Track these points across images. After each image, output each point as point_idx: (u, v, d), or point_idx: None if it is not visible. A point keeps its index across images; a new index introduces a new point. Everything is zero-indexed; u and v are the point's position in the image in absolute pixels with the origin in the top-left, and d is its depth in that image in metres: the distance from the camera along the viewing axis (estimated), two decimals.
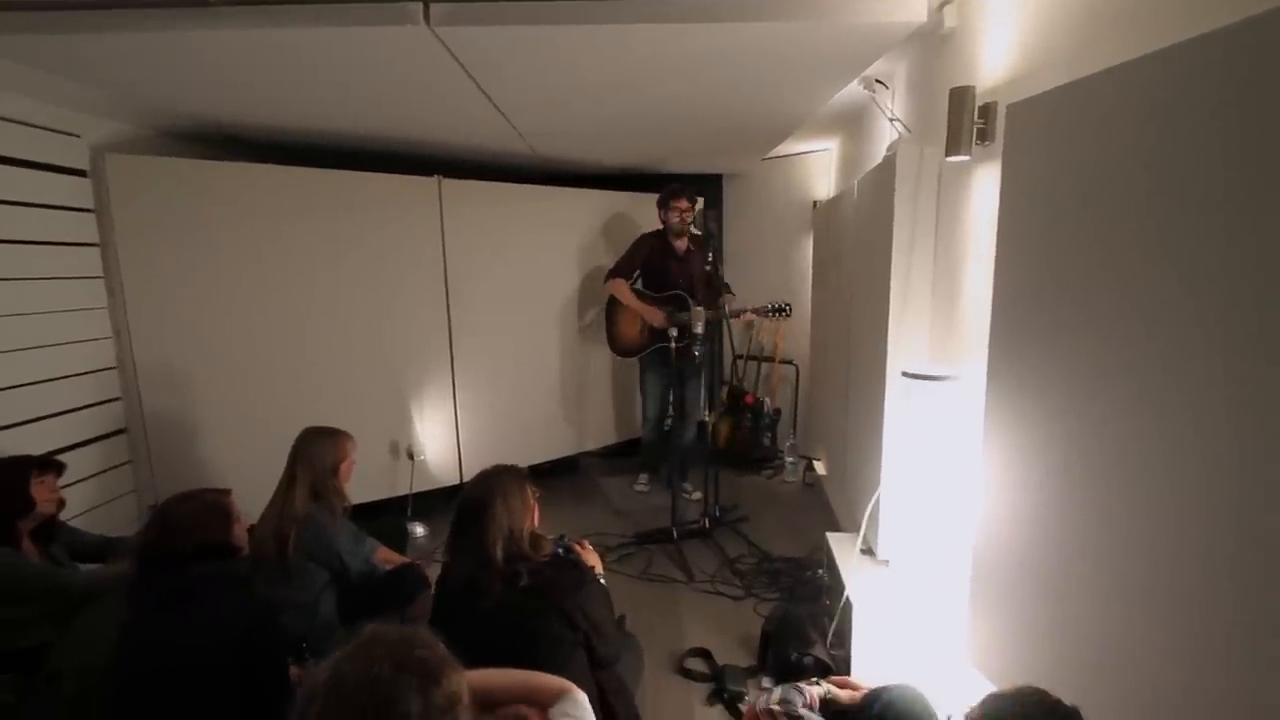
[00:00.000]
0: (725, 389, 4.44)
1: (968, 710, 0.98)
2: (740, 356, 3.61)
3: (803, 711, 1.33)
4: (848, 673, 1.92)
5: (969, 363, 1.76)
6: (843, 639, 2.08)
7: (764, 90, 2.39)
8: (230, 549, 1.66)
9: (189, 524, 1.59)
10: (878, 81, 2.47)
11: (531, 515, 1.70)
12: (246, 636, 1.53)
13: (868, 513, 2.12)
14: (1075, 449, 1.33)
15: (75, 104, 2.47)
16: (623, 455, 4.40)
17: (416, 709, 0.80)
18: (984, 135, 1.65)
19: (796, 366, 4.33)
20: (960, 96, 1.65)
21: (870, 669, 1.83)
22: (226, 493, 1.71)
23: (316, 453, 2.32)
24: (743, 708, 1.97)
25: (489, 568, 1.58)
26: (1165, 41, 1.09)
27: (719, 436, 4.22)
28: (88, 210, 2.60)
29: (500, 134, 3.04)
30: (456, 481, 3.60)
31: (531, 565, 1.62)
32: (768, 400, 4.31)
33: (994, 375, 1.51)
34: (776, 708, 1.33)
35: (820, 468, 4.03)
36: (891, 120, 2.29)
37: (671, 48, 1.94)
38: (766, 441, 4.31)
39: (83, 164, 2.57)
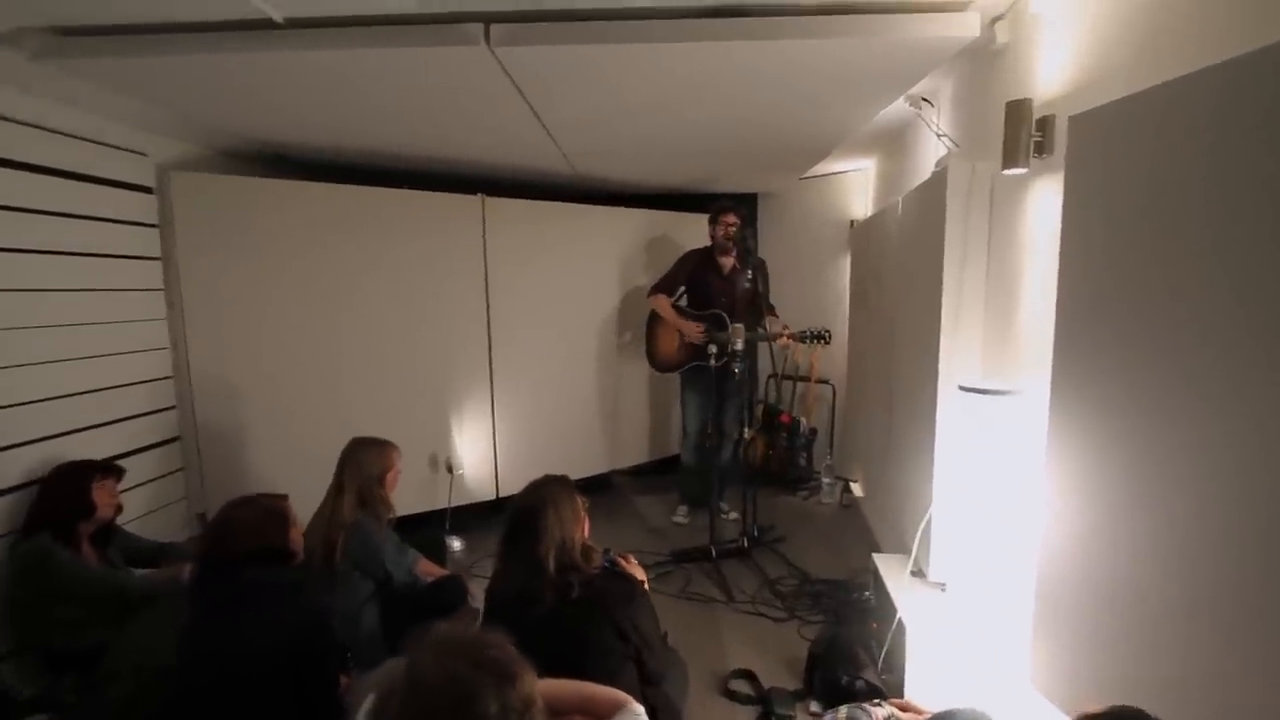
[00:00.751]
0: (761, 407, 4.40)
1: None
2: (775, 375, 3.57)
3: None
4: (900, 697, 1.86)
5: (1027, 377, 1.73)
6: (893, 663, 2.03)
7: (809, 109, 2.41)
8: (287, 554, 1.69)
9: (248, 529, 1.61)
10: (924, 100, 2.46)
11: (582, 526, 1.70)
12: (299, 642, 1.55)
13: (919, 534, 2.07)
14: (1145, 463, 1.29)
15: (143, 123, 2.59)
16: (656, 474, 4.38)
17: (495, 709, 0.80)
18: (1041, 148, 1.64)
19: (833, 386, 4.29)
20: (1018, 109, 1.64)
21: (925, 693, 1.77)
22: (284, 498, 1.74)
23: (364, 462, 2.36)
24: None
25: (541, 577, 1.57)
26: (1225, 54, 1.08)
27: (754, 455, 4.18)
28: (152, 225, 2.70)
29: (544, 153, 3.10)
30: (493, 496, 3.61)
31: (583, 576, 1.62)
32: (804, 420, 4.26)
33: (1058, 390, 1.47)
34: None
35: (857, 489, 3.96)
36: (939, 136, 2.29)
37: (721, 67, 1.97)
38: (802, 462, 4.25)
39: (149, 181, 2.69)
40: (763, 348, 3.23)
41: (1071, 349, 1.45)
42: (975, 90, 2.18)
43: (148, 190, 2.69)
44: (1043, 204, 1.68)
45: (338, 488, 2.33)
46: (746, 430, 3.41)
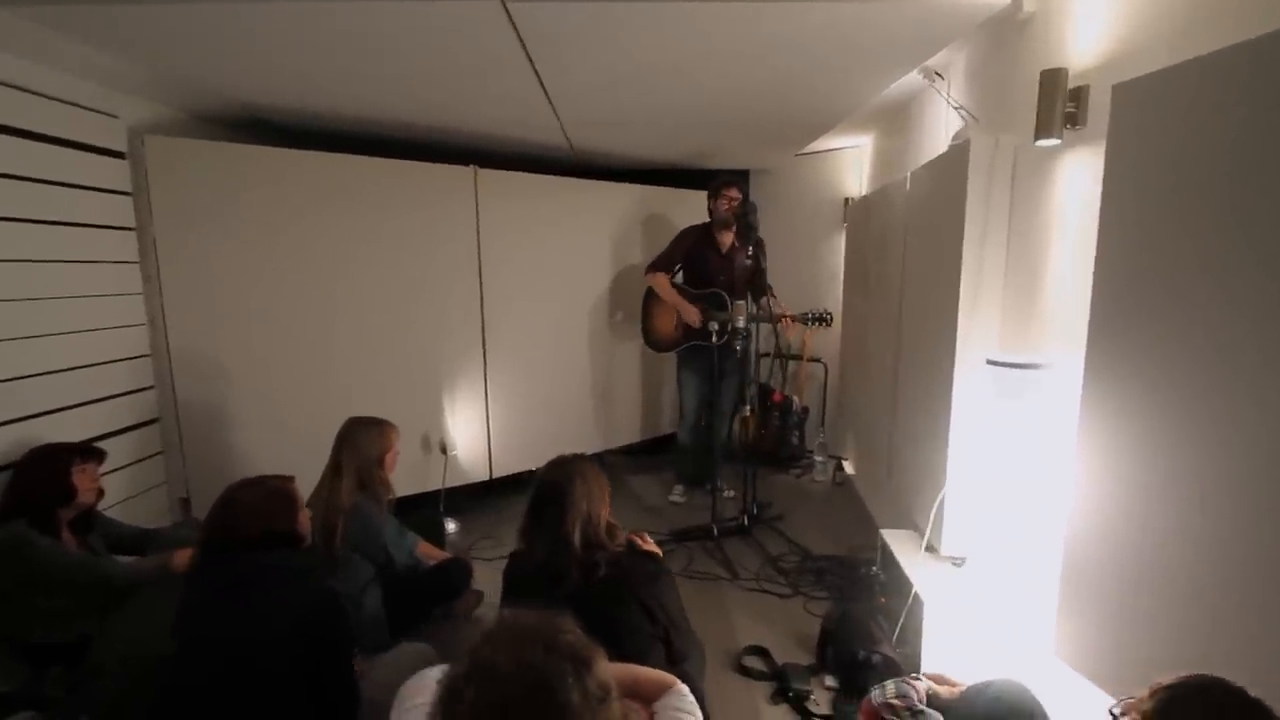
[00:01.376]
0: (753, 387, 4.38)
1: (1124, 702, 0.93)
2: (770, 355, 3.55)
3: (921, 705, 1.29)
4: (915, 670, 1.87)
5: (1052, 351, 1.72)
6: (907, 637, 2.04)
7: (824, 77, 2.36)
8: (296, 538, 1.60)
9: (255, 511, 1.53)
10: (936, 74, 2.43)
11: (607, 504, 1.65)
12: (313, 627, 1.47)
13: (934, 510, 2.07)
14: (1179, 438, 1.29)
15: (113, 82, 2.41)
16: (648, 454, 4.35)
17: (576, 698, 0.74)
18: (1074, 119, 1.61)
19: (825, 365, 4.29)
20: (1052, 79, 1.61)
21: (942, 666, 1.78)
22: (290, 479, 1.65)
23: (362, 442, 2.27)
24: (807, 706, 1.92)
25: (566, 554, 1.53)
26: (1272, 25, 1.06)
27: (747, 434, 4.17)
28: (124, 193, 2.53)
29: (541, 123, 2.99)
30: (486, 478, 3.54)
31: (608, 555, 1.58)
32: (796, 399, 4.27)
33: (1092, 363, 1.47)
34: (897, 702, 1.28)
35: (849, 467, 3.99)
36: (956, 109, 2.25)
37: (742, 29, 1.90)
38: (794, 440, 4.26)
39: (120, 145, 2.51)
40: (760, 328, 3.19)
41: (1108, 321, 1.44)
42: (995, 62, 2.15)
43: (119, 155, 2.51)
44: (1073, 176, 1.66)
45: (335, 469, 2.24)
46: (747, 408, 3.38)
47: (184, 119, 2.84)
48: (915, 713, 1.24)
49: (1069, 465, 1.53)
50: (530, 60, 2.14)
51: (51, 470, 1.97)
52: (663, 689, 1.19)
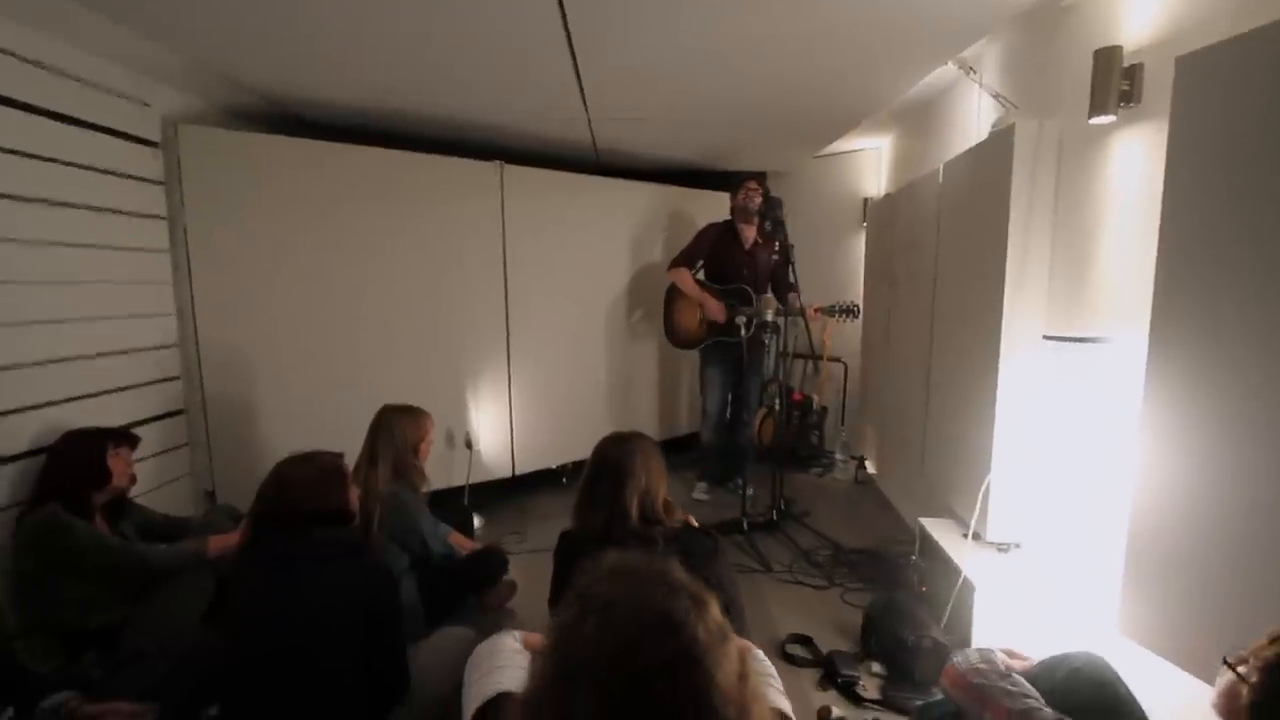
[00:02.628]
0: (775, 386, 4.37)
1: (1239, 653, 0.91)
2: (785, 353, 3.55)
3: (1009, 664, 1.27)
4: None
5: (1105, 327, 1.72)
6: (956, 623, 2.01)
7: (860, 69, 2.37)
8: (348, 515, 1.58)
9: (308, 487, 1.51)
10: (970, 71, 2.46)
11: (664, 480, 1.63)
12: (370, 602, 1.45)
13: (980, 496, 2.06)
14: (1255, 409, 1.29)
15: (147, 69, 2.40)
16: (668, 454, 4.30)
17: (701, 634, 0.71)
18: (1128, 96, 1.63)
19: (845, 364, 4.29)
20: (1107, 56, 1.62)
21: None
22: (340, 456, 1.63)
23: (398, 430, 2.25)
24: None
25: (624, 526, 1.51)
26: None
27: (765, 433, 4.16)
28: (156, 182, 2.52)
29: (569, 116, 3.00)
30: (509, 474, 3.51)
31: (665, 530, 1.56)
32: (815, 398, 4.26)
33: (1158, 337, 1.46)
34: (984, 666, 1.26)
35: (870, 466, 3.98)
36: (995, 96, 2.27)
37: (792, 13, 1.90)
38: (814, 440, 4.25)
39: (154, 134, 2.50)
40: (785, 326, 3.20)
41: (1173, 295, 1.44)
42: (1034, 48, 2.18)
43: (152, 144, 2.50)
44: (1127, 153, 1.67)
45: (370, 457, 2.21)
46: (777, 403, 3.36)
47: (214, 112, 2.83)
48: (1003, 675, 1.21)
49: (1132, 439, 1.52)
50: (570, 41, 2.13)
51: (86, 454, 1.94)
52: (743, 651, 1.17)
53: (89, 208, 2.22)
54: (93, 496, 1.94)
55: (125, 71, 2.36)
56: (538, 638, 1.22)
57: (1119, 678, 1.27)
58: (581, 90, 2.64)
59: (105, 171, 2.28)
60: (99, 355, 2.27)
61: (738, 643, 0.75)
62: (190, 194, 2.56)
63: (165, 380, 2.58)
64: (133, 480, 2.07)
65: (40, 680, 1.54)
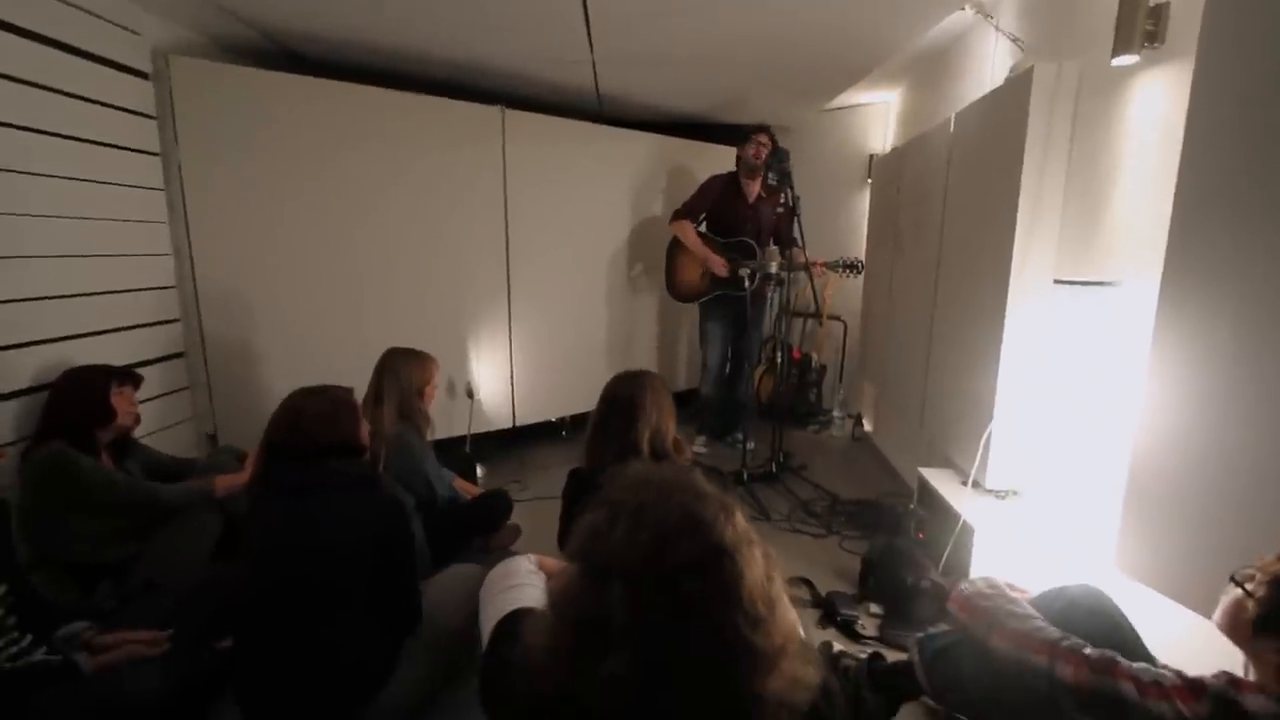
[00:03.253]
0: (770, 343, 4.39)
1: (1245, 570, 0.94)
2: (787, 310, 3.55)
3: (1011, 593, 1.30)
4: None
5: (1117, 271, 1.73)
6: (954, 566, 2.06)
7: (876, 10, 2.31)
8: (359, 449, 1.58)
9: (323, 419, 1.51)
10: (988, 16, 2.40)
11: (673, 418, 1.64)
12: (384, 533, 1.47)
13: (981, 444, 2.09)
14: (1262, 348, 1.30)
15: None
16: None
17: (730, 535, 0.72)
18: (1152, 37, 1.60)
19: (844, 323, 4.30)
20: None
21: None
22: (350, 391, 1.62)
23: (403, 372, 2.24)
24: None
25: (636, 459, 1.52)
26: None
27: (764, 389, 4.18)
28: (148, 116, 2.44)
29: (575, 58, 2.92)
30: (509, 425, 3.52)
31: (676, 467, 1.57)
32: (815, 355, 4.27)
33: (1170, 280, 1.46)
34: (990, 590, 1.30)
35: (867, 423, 4.02)
36: (1013, 39, 2.23)
37: None
38: (812, 397, 4.28)
39: (144, 65, 2.41)
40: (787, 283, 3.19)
41: (1188, 241, 1.43)
42: None
43: (143, 75, 2.41)
44: (1148, 95, 1.65)
45: (375, 398, 2.21)
46: (778, 356, 3.37)
47: (207, 43, 2.73)
48: (1009, 599, 1.25)
49: (1138, 380, 1.54)
50: None
51: (90, 391, 1.92)
52: (768, 554, 1.20)
53: (78, 139, 2.15)
54: (97, 434, 1.93)
55: None
56: (553, 561, 1.24)
57: (1116, 608, 1.31)
58: (588, 28, 2.56)
59: (93, 101, 2.20)
60: (97, 294, 2.23)
61: (763, 547, 0.76)
62: (184, 130, 2.48)
63: (165, 322, 2.55)
64: (137, 420, 2.06)
65: (55, 610, 1.55)
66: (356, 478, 1.51)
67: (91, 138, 2.20)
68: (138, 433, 2.16)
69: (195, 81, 2.49)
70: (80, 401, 1.90)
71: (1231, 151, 1.35)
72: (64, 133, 2.09)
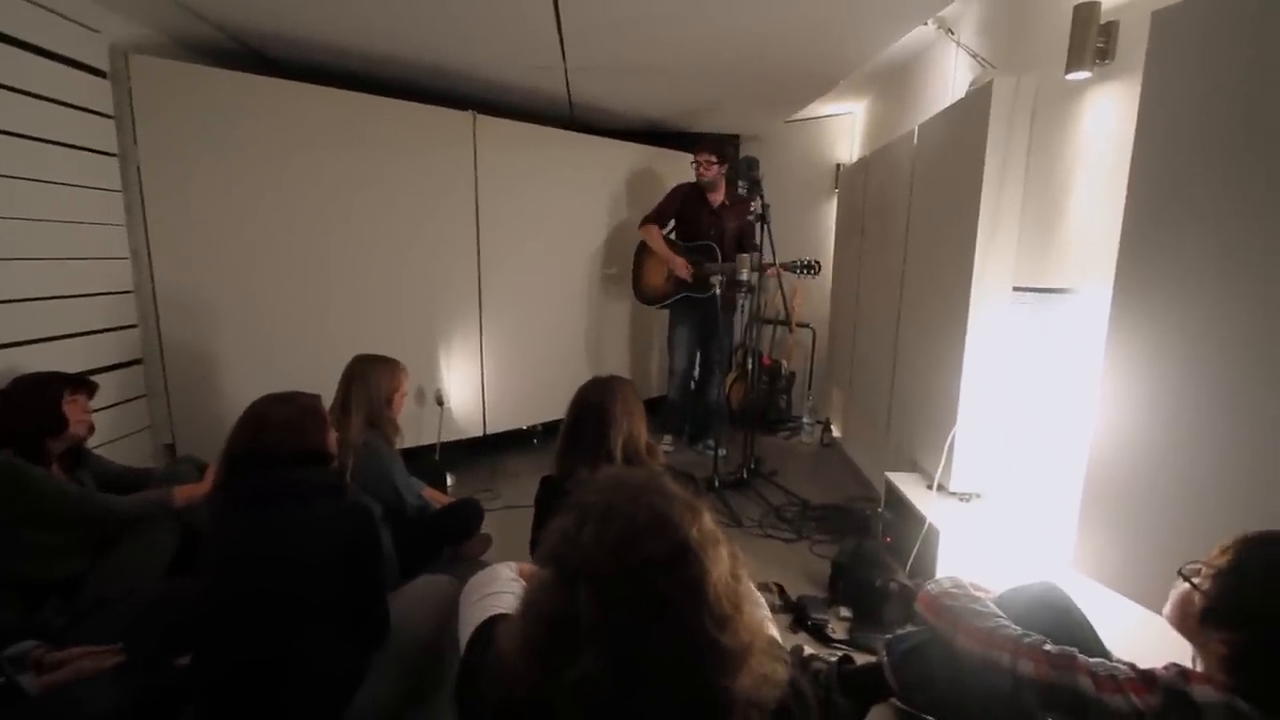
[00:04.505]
0: (740, 351, 4.43)
1: (1192, 565, 0.98)
2: (758, 318, 3.60)
3: (975, 592, 1.33)
4: None
5: (1071, 279, 1.79)
6: (921, 567, 2.10)
7: (842, 23, 2.37)
8: (327, 457, 1.55)
9: (289, 426, 1.48)
10: (949, 32, 2.48)
11: (644, 422, 1.64)
12: (352, 543, 1.44)
13: (945, 447, 2.13)
14: (1206, 356, 1.36)
15: None
16: None
17: (696, 535, 0.73)
18: (1103, 53, 1.67)
19: (813, 330, 4.36)
20: (1085, 12, 1.65)
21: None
22: (318, 398, 1.59)
23: (372, 380, 2.21)
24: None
25: (608, 464, 1.52)
26: None
27: (735, 396, 4.22)
28: (106, 115, 2.37)
29: (546, 64, 2.92)
30: (480, 433, 3.48)
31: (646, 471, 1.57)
32: (784, 362, 4.32)
33: (1122, 287, 1.52)
34: (955, 590, 1.32)
35: (836, 429, 4.08)
36: (973, 55, 2.30)
37: None
38: (782, 404, 4.33)
39: (102, 63, 2.34)
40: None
41: (1139, 245, 1.49)
42: (1014, 6, 2.21)
43: (100, 74, 2.34)
44: (1100, 109, 1.72)
45: (343, 407, 2.17)
46: (748, 362, 3.41)
47: (169, 44, 2.67)
48: (972, 599, 1.28)
49: (1093, 385, 1.59)
50: None
51: (41, 399, 1.85)
52: (734, 554, 1.20)
53: (30, 138, 2.07)
54: (48, 444, 1.85)
55: None
56: (532, 567, 1.23)
57: (1074, 605, 1.35)
58: (561, 39, 2.57)
59: (46, 99, 2.12)
60: (50, 298, 2.15)
61: (729, 547, 0.77)
62: (143, 130, 2.42)
63: (122, 328, 2.47)
64: (91, 429, 1.99)
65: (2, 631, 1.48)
66: (323, 486, 1.48)
67: (45, 136, 2.12)
68: (92, 442, 2.09)
69: (155, 81, 2.42)
70: (30, 410, 1.82)
71: (1177, 163, 1.41)
72: (15, 131, 2.01)
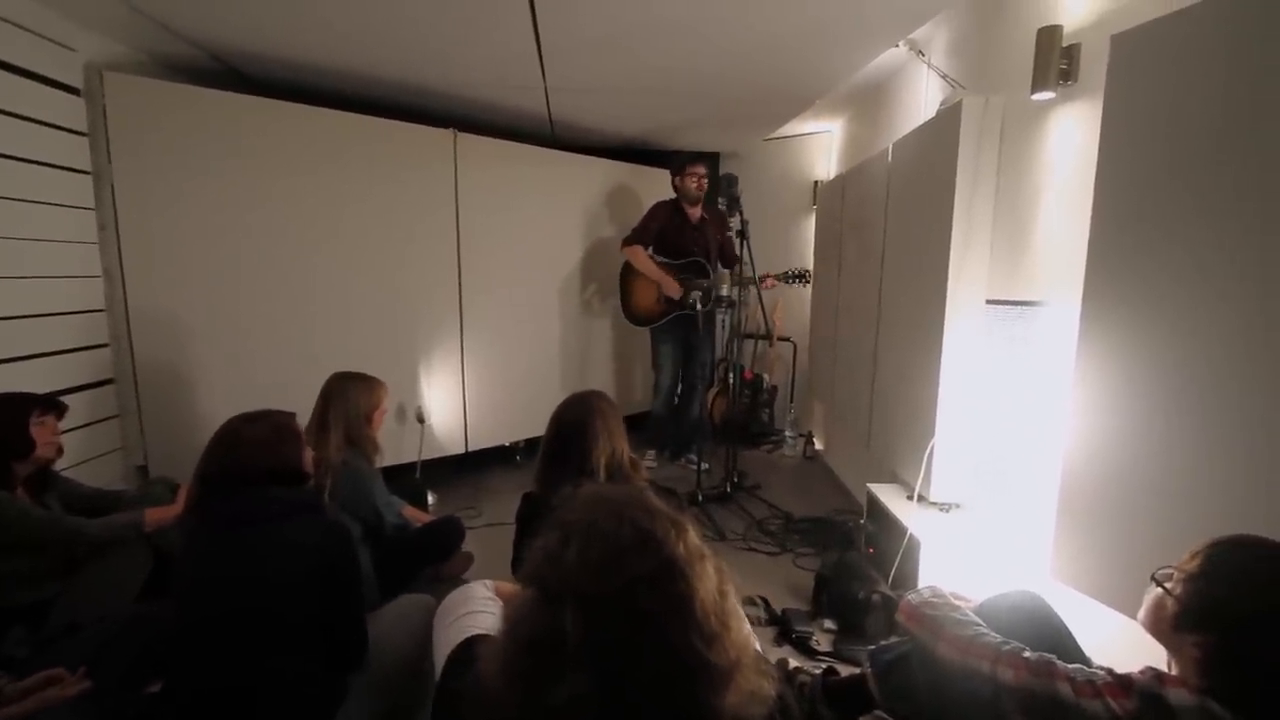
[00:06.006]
0: (722, 365, 4.45)
1: (1164, 570, 1.00)
2: (739, 332, 3.63)
3: (955, 601, 1.34)
4: None
5: (1042, 292, 1.83)
6: (903, 578, 2.11)
7: (816, 45, 2.42)
8: (302, 476, 1.53)
9: (263, 445, 1.45)
10: (920, 54, 2.55)
11: (625, 438, 1.64)
12: (329, 563, 1.41)
13: (924, 459, 2.16)
14: (1174, 365, 1.39)
15: (72, 11, 2.23)
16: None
17: (681, 551, 0.73)
18: (1066, 74, 1.72)
19: (794, 344, 4.40)
20: (1048, 35, 1.71)
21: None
22: (292, 416, 1.57)
23: (351, 398, 2.18)
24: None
25: (591, 480, 1.51)
26: None
27: (717, 410, 4.23)
28: (79, 133, 2.34)
29: (525, 82, 2.95)
30: (462, 450, 3.45)
31: (629, 487, 1.57)
32: (766, 376, 4.35)
33: (1090, 300, 1.56)
34: (935, 599, 1.33)
35: (818, 442, 4.11)
36: (943, 76, 2.37)
37: None
38: (765, 418, 4.35)
39: (76, 80, 2.32)
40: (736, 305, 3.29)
41: (1105, 259, 1.54)
42: (982, 29, 2.28)
43: (74, 91, 2.32)
44: (1064, 128, 1.78)
45: (321, 425, 2.14)
46: (729, 377, 3.44)
47: (146, 62, 2.65)
48: (952, 608, 1.29)
49: (1065, 396, 1.63)
50: (533, 7, 2.11)
51: (8, 420, 1.80)
52: (720, 570, 1.20)
53: (6, 156, 2.05)
54: (14, 467, 1.80)
55: (45, 12, 2.18)
56: (509, 586, 1.22)
57: (1053, 612, 1.36)
58: (541, 60, 2.60)
59: (18, 116, 2.10)
60: (19, 317, 2.11)
61: (715, 562, 0.77)
62: (118, 148, 2.39)
63: (94, 347, 2.42)
64: (59, 451, 1.94)
65: None
66: (298, 504, 1.45)
67: (15, 154, 2.10)
68: (61, 464, 2.04)
69: (130, 98, 2.40)
70: None
71: (1140, 178, 1.46)
72: None
